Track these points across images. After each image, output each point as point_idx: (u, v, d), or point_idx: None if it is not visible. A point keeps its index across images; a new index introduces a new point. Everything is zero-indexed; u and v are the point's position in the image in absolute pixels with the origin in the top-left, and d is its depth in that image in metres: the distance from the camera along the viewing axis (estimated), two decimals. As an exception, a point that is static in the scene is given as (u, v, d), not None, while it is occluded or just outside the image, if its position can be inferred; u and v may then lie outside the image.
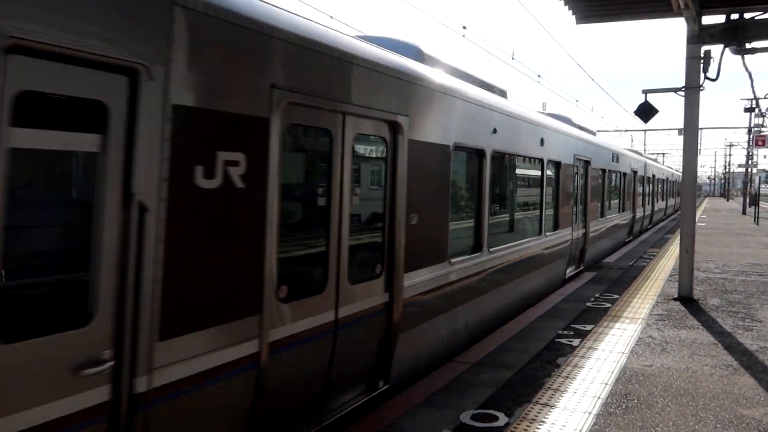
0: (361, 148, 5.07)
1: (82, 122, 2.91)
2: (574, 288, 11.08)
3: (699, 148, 12.15)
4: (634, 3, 10.61)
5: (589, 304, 9.60)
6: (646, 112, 11.76)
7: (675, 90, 10.78)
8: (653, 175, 27.20)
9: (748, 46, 10.13)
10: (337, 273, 4.63)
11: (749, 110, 37.47)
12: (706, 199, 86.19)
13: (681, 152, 10.66)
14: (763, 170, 54.28)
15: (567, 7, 10.64)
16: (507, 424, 4.79)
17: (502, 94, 9.04)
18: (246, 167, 3.70)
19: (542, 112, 12.32)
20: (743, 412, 5.18)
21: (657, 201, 29.91)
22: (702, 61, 10.10)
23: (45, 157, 2.96)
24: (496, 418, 4.90)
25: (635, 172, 20.91)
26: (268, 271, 3.87)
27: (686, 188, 10.52)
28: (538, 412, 5.05)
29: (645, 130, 65.51)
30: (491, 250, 7.66)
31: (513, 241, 8.70)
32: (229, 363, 3.60)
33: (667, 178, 35.81)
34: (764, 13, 9.92)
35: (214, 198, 3.50)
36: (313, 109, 4.34)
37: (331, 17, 15.32)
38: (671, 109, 64.50)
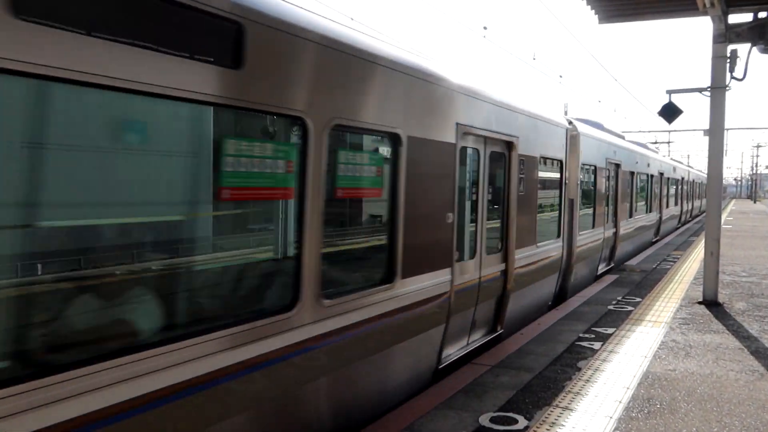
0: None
1: None
2: (595, 291, 10.97)
3: (725, 149, 11.96)
4: (658, 1, 10.45)
5: (610, 307, 9.49)
6: (670, 112, 11.58)
7: (700, 90, 10.58)
8: (631, 171, 16.27)
9: (776, 45, 9.93)
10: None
11: (777, 110, 36.67)
12: (732, 201, 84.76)
13: (706, 153, 10.49)
14: (792, 172, 53.19)
15: (589, 6, 10.54)
16: (526, 428, 4.75)
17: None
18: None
19: None
20: (769, 418, 5.07)
21: (635, 213, 17.33)
22: (728, 60, 9.92)
23: None
24: (516, 421, 4.86)
25: (561, 163, 9.81)
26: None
27: (712, 190, 10.36)
28: (558, 416, 5.00)
29: (669, 131, 64.85)
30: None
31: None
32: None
33: (664, 174, 23.60)
34: (793, 11, 9.72)
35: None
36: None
37: (352, 18, 15.34)
38: (697, 109, 63.64)
